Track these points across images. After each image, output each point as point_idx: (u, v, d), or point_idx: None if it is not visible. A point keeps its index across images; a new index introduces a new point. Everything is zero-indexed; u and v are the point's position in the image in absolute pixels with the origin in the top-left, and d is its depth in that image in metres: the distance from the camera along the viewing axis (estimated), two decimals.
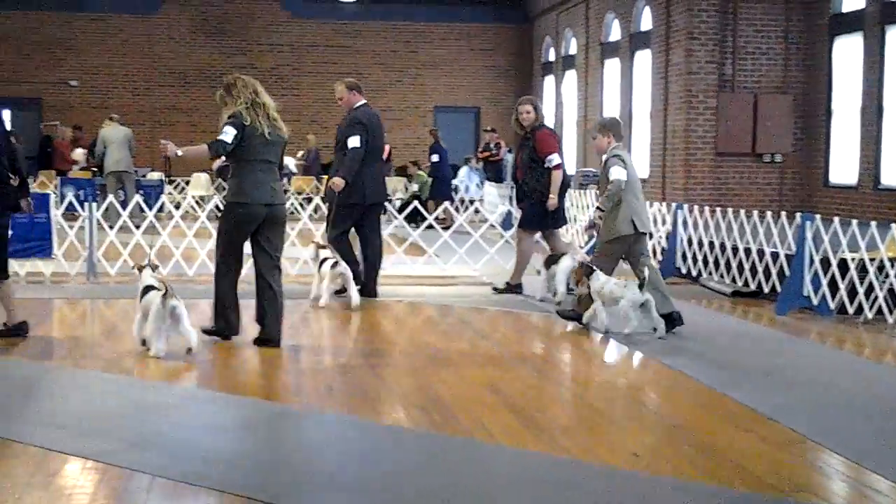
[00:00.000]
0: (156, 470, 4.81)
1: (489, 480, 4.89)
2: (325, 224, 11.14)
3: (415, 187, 22.09)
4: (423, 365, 7.52)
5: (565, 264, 10.15)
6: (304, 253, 12.28)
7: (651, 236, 11.14)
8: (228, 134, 7.75)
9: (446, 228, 13.81)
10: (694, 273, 12.27)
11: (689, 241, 12.46)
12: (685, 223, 12.64)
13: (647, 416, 6.26)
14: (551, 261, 10.41)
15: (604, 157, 8.98)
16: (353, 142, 10.23)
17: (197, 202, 15.48)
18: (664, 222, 13.32)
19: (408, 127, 29.06)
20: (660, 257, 13.13)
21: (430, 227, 13.73)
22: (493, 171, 22.11)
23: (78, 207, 12.53)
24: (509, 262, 12.34)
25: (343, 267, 9.83)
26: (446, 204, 15.28)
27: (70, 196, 13.53)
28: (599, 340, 8.58)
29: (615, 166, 8.71)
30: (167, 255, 12.25)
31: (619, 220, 8.74)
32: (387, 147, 26.04)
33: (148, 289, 7.55)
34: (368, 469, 4.97)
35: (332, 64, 29.18)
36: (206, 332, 8.02)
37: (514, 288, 10.96)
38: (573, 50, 25.72)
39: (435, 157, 21.50)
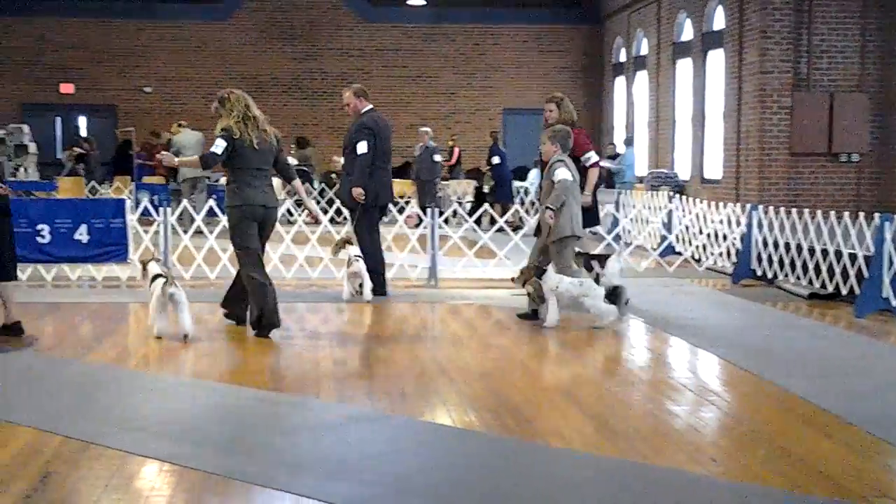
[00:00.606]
0: (231, 472, 4.83)
1: (564, 485, 4.84)
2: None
3: (486, 189, 22.05)
4: (494, 368, 7.48)
5: (613, 266, 10.08)
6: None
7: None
8: (219, 147, 8.57)
9: (516, 230, 13.74)
10: (769, 275, 12.07)
11: (765, 243, 12.27)
12: (760, 224, 12.45)
13: (724, 421, 6.16)
14: (593, 262, 10.31)
15: (549, 162, 9.34)
16: (362, 147, 10.53)
17: None
18: (738, 224, 13.13)
19: (477, 129, 29.02)
20: (734, 259, 12.96)
21: (501, 229, 13.66)
22: None
23: (153, 212, 12.67)
24: None
25: (359, 265, 10.41)
26: (517, 207, 15.20)
27: (145, 201, 13.69)
28: (670, 343, 8.48)
29: (560, 168, 9.14)
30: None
31: (563, 221, 9.12)
32: (456, 150, 26.17)
33: (156, 277, 8.43)
34: (441, 473, 4.95)
35: (401, 67, 29.29)
36: (227, 316, 9.04)
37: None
38: (644, 50, 25.49)
39: (496, 160, 21.45)
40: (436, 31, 29.44)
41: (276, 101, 28.81)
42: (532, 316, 9.41)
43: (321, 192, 22.15)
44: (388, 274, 11.23)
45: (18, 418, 5.70)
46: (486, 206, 14.86)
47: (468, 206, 19.96)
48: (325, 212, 15.98)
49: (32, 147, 23.18)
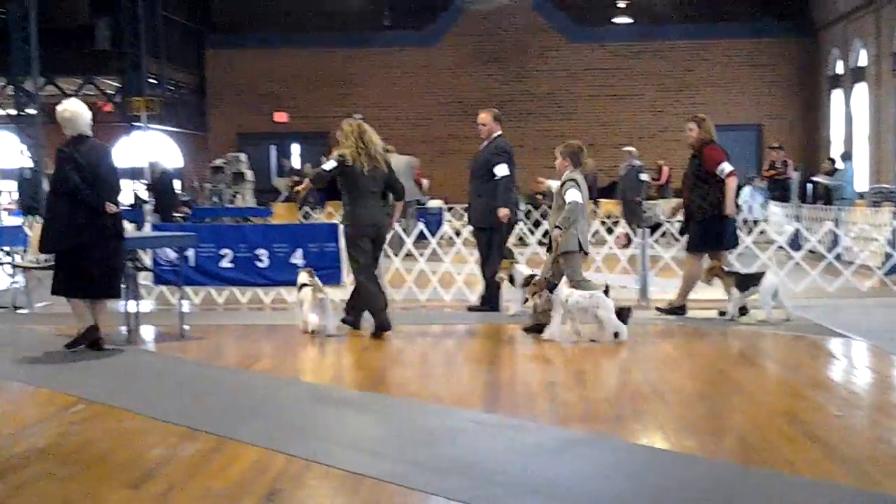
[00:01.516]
0: (450, 493, 4.82)
1: None
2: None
3: None
4: (712, 391, 7.25)
5: (770, 281, 10.04)
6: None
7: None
8: (328, 165, 9.86)
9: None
10: None
11: None
12: None
13: None
14: (748, 281, 10.24)
15: (561, 179, 9.76)
16: (503, 170, 10.83)
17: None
18: None
19: (687, 147, 28.45)
20: None
21: None
22: (778, 190, 21.29)
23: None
24: (799, 285, 11.85)
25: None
26: None
27: None
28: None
29: (571, 189, 9.58)
30: (449, 282, 12.42)
31: (570, 238, 9.58)
32: (665, 168, 25.75)
33: (302, 286, 9.95)
34: (662, 498, 4.80)
35: (607, 87, 29.12)
36: (344, 321, 9.98)
37: (676, 309, 10.81)
38: (863, 61, 24.50)
39: None
40: (642, 48, 29.14)
41: None
42: (536, 329, 9.53)
43: (527, 214, 22.13)
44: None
45: (244, 436, 5.87)
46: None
47: (677, 225, 19.53)
48: (532, 233, 15.97)
49: (249, 174, 24.14)
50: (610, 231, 15.04)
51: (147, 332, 10.33)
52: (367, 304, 9.75)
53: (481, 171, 11.03)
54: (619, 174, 22.11)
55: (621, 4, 29.77)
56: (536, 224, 19.94)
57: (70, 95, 26.63)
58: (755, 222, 20.25)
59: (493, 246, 10.99)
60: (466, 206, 11.69)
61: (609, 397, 7.05)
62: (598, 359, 8.68)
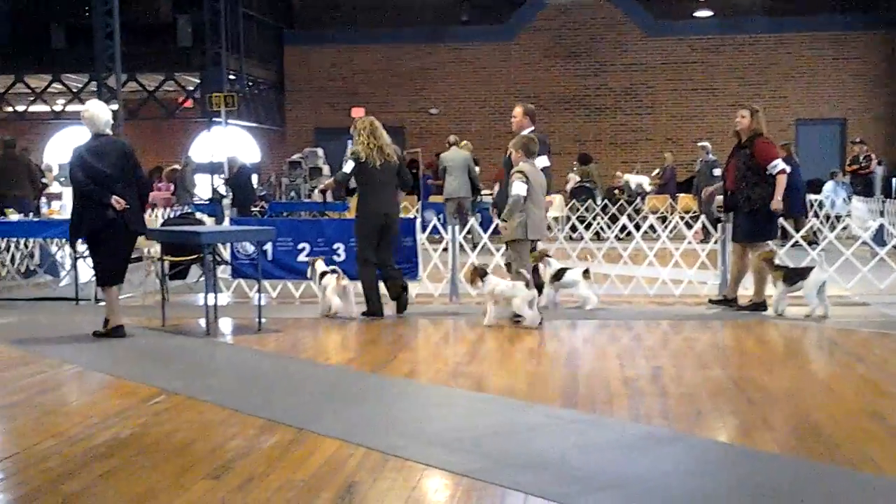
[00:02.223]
0: (528, 488, 4.80)
1: None
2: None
3: None
4: (794, 388, 7.13)
5: (816, 277, 10.12)
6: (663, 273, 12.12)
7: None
8: (348, 166, 10.62)
9: (812, 245, 13.12)
10: None
11: None
12: None
13: None
14: (796, 275, 10.34)
15: (512, 171, 10.22)
16: (543, 161, 10.70)
17: (549, 225, 15.53)
18: None
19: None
20: None
21: (797, 244, 13.06)
22: (861, 185, 20.89)
23: (441, 230, 12.91)
24: (884, 281, 11.63)
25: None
26: (814, 221, 14.52)
27: (434, 220, 13.94)
28: None
29: (517, 181, 10.03)
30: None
31: (515, 227, 10.05)
32: None
33: (323, 274, 10.68)
34: (743, 497, 4.73)
35: (687, 80, 28.80)
36: (364, 314, 10.59)
37: (729, 301, 10.87)
38: None
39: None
40: (722, 42, 28.76)
41: (558, 118, 28.99)
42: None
43: (604, 209, 21.97)
44: (677, 290, 11.08)
45: (322, 429, 5.90)
46: (781, 220, 14.20)
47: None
48: (609, 227, 15.87)
49: (326, 169, 24.27)
50: (689, 226, 14.86)
51: (225, 324, 10.45)
52: (363, 287, 10.64)
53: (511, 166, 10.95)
54: (695, 169, 21.89)
55: None
56: (613, 219, 19.81)
57: (151, 92, 27.15)
58: (838, 217, 19.90)
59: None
60: (494, 198, 11.74)
61: (688, 393, 6.96)
62: (675, 354, 8.59)
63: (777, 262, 10.60)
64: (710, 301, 11.17)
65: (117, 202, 9.27)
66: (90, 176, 9.28)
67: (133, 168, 9.58)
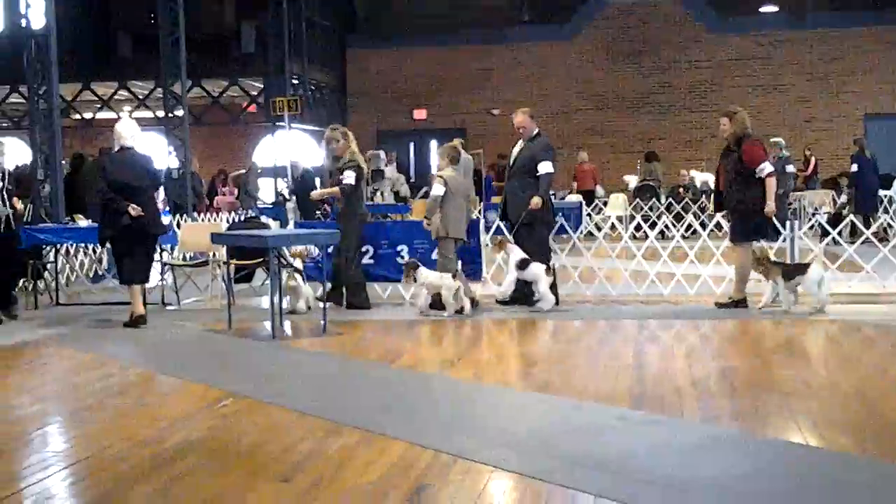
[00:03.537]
0: (599, 491, 4.75)
1: None
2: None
3: (844, 199, 20.89)
4: (866, 387, 6.99)
5: (815, 272, 10.14)
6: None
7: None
8: (351, 178, 11.24)
9: (882, 242, 12.86)
10: None
11: None
12: None
13: None
14: (794, 272, 10.44)
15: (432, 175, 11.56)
16: (547, 167, 11.04)
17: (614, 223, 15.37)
18: None
19: (835, 138, 27.69)
20: None
21: (867, 241, 12.81)
22: None
23: (505, 232, 12.84)
24: None
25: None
26: (884, 217, 14.24)
27: (497, 220, 13.85)
28: None
29: (436, 184, 11.19)
30: (588, 278, 12.32)
31: (440, 225, 11.02)
32: (812, 159, 25.04)
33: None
34: (814, 497, 4.64)
35: (751, 77, 28.48)
36: (350, 305, 11.33)
37: (739, 303, 10.77)
38: None
39: (854, 168, 20.24)
40: (789, 37, 28.40)
41: (622, 117, 28.84)
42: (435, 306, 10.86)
43: (668, 207, 21.77)
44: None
45: (390, 431, 5.89)
46: (851, 216, 13.98)
47: (824, 217, 18.94)
48: (674, 226, 15.70)
49: (388, 171, 24.32)
50: None
51: (290, 327, 10.50)
52: (356, 284, 11.35)
53: (525, 169, 11.17)
54: None
55: None
56: (678, 217, 19.61)
57: (215, 98, 27.43)
58: None
59: (541, 240, 11.14)
60: (503, 202, 11.70)
61: (757, 393, 6.86)
62: (743, 354, 8.48)
63: (773, 259, 10.65)
64: (717, 304, 11.02)
65: (133, 209, 10.30)
66: (111, 185, 10.38)
67: (154, 177, 11.03)
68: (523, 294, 11.00)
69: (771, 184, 10.65)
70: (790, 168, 20.60)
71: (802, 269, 10.44)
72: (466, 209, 11.42)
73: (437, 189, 11.14)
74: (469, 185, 11.62)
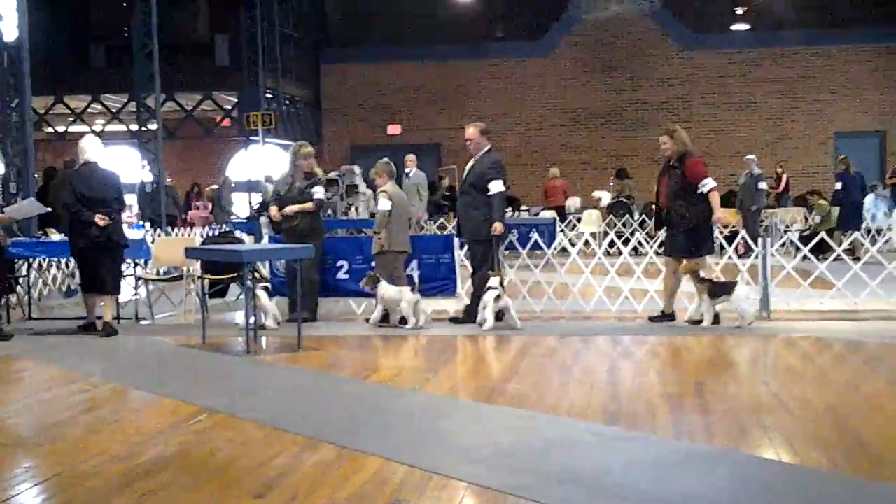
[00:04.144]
0: None
1: None
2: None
3: (816, 218, 21.02)
4: (839, 403, 7.04)
5: (742, 291, 10.58)
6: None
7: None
8: (320, 192, 11.69)
9: (855, 260, 12.98)
10: None
11: None
12: None
13: None
14: (721, 289, 10.62)
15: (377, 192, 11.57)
16: (498, 185, 11.03)
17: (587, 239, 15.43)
18: None
19: (806, 155, 27.93)
20: None
21: (838, 258, 12.91)
22: None
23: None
24: None
25: (506, 300, 10.86)
26: (856, 234, 14.36)
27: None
28: None
29: (381, 198, 11.41)
30: (563, 294, 12.36)
31: (387, 239, 11.29)
32: (784, 177, 25.22)
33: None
34: None
35: (724, 94, 28.70)
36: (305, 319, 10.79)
37: (667, 316, 11.04)
38: None
39: (838, 185, 20.41)
40: (761, 55, 28.63)
41: (594, 133, 28.97)
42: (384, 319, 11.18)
43: (641, 224, 21.86)
44: (718, 306, 11.01)
45: (365, 447, 5.89)
46: (822, 234, 14.06)
47: (795, 234, 19.08)
48: (648, 242, 15.76)
49: (363, 187, 24.30)
50: (729, 241, 14.71)
51: (264, 342, 10.47)
52: (312, 297, 11.46)
53: (475, 186, 11.18)
54: (738, 182, 21.74)
55: (739, 11, 29.26)
56: (651, 235, 19.68)
57: (189, 111, 27.35)
58: (879, 231, 19.68)
59: (487, 258, 11.05)
60: (456, 219, 11.81)
61: (730, 409, 6.90)
62: (720, 371, 8.52)
63: (702, 275, 10.78)
64: (650, 318, 11.24)
65: (101, 219, 10.65)
66: (78, 198, 10.73)
67: (118, 193, 11.10)
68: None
69: (715, 197, 10.80)
70: (762, 185, 20.75)
71: (729, 287, 10.64)
72: (408, 223, 11.86)
73: (385, 204, 11.33)
74: (406, 199, 12.13)
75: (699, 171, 10.87)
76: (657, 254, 13.43)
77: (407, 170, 20.40)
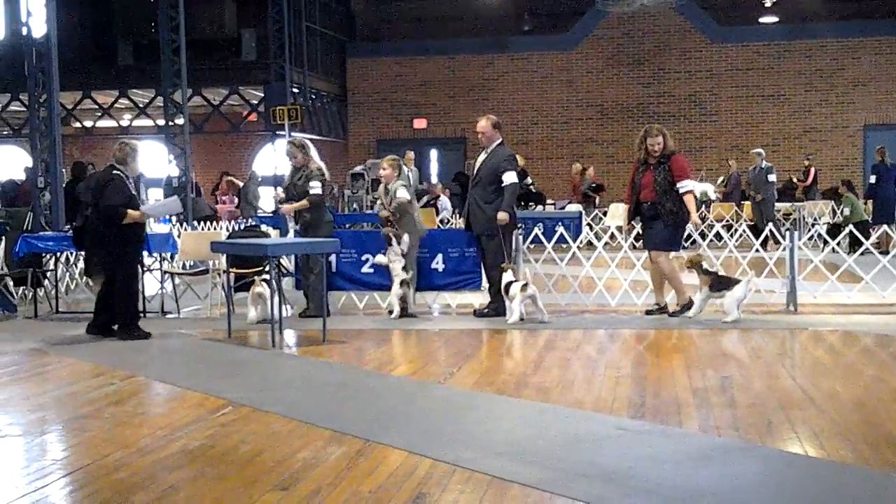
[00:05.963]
0: (597, 500, 4.75)
1: None
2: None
3: (846, 211, 20.84)
4: (867, 397, 6.99)
5: (741, 290, 10.55)
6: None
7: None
8: (318, 188, 11.45)
9: (884, 253, 12.87)
10: None
11: None
12: None
13: None
14: (722, 284, 10.69)
15: (391, 184, 11.63)
16: (512, 177, 11.05)
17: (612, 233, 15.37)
18: None
19: (835, 147, 27.73)
20: None
21: (867, 251, 12.81)
22: None
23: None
24: None
25: (532, 288, 10.75)
26: (885, 227, 14.23)
27: None
28: None
29: (401, 189, 11.55)
30: (589, 287, 12.33)
31: (407, 226, 11.47)
32: (812, 169, 25.06)
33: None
34: None
35: (752, 87, 28.50)
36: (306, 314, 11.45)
37: (663, 309, 11.18)
38: None
39: (872, 178, 20.26)
40: (789, 47, 28.42)
41: (621, 126, 28.85)
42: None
43: None
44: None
45: (389, 440, 5.89)
46: (850, 227, 13.95)
47: (824, 227, 18.96)
48: None
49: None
50: (756, 233, 14.64)
51: (290, 336, 10.50)
52: (318, 293, 11.17)
53: (488, 179, 11.19)
54: (749, 176, 21.62)
55: (767, 3, 29.08)
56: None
57: (216, 106, 27.45)
58: None
59: (500, 252, 11.11)
60: (465, 212, 11.70)
61: (757, 403, 6.85)
62: (742, 364, 8.47)
63: (706, 267, 10.85)
64: (647, 312, 11.31)
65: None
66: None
67: (94, 194, 10.64)
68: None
69: (690, 199, 11.05)
70: (772, 177, 20.75)
71: (731, 283, 10.67)
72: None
73: (405, 193, 11.60)
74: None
75: (684, 170, 11.13)
76: (683, 247, 13.37)
77: (405, 169, 20.41)
